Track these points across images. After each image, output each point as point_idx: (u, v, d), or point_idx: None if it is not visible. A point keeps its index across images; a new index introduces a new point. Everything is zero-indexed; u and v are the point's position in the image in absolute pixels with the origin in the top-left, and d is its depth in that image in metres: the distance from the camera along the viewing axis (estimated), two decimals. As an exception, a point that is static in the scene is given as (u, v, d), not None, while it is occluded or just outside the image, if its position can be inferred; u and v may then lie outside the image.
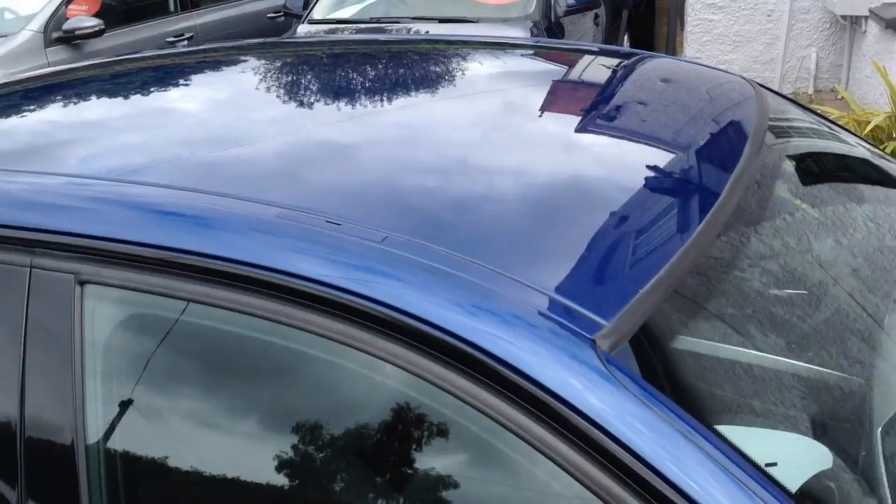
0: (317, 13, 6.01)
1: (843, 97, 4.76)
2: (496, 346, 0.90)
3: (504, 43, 2.41)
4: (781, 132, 1.68)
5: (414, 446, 1.03)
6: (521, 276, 0.98)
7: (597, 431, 0.86)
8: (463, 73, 2.01)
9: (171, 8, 6.96)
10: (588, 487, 0.86)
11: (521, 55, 2.22)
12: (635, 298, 0.98)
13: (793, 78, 7.13)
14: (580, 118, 1.60)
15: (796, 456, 1.30)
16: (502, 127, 1.52)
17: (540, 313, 0.94)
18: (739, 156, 1.32)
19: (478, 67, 2.05)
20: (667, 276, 1.02)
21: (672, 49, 7.69)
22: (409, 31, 5.51)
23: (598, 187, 1.28)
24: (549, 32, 5.63)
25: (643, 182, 1.31)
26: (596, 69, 2.02)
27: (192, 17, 7.07)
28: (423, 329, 0.93)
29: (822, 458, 1.38)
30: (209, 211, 1.15)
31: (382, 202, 1.21)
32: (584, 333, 0.92)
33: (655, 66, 1.92)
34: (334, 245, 1.04)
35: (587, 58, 2.11)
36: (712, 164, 1.37)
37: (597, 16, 6.82)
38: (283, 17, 6.98)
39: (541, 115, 1.62)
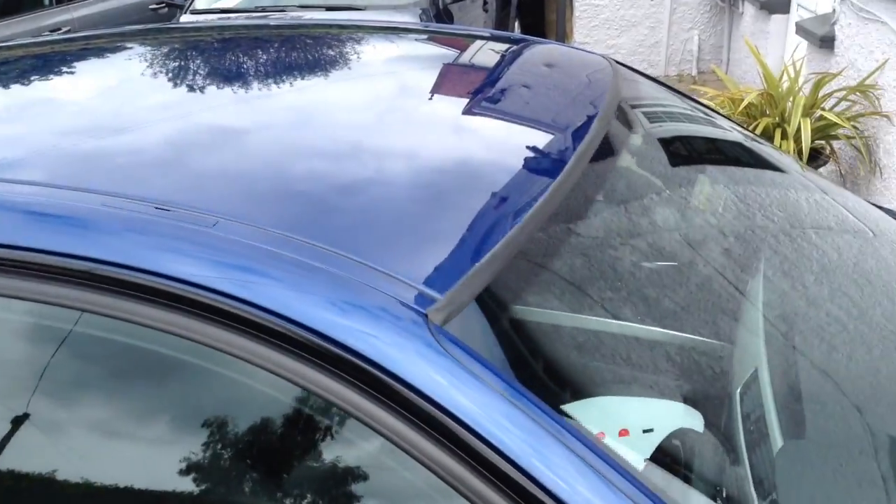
0: (200, 3, 5.86)
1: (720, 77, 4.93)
2: (327, 327, 0.89)
3: (385, 28, 2.39)
4: (636, 110, 1.72)
5: (262, 437, 1.02)
6: (358, 256, 0.97)
7: (423, 402, 0.86)
8: (341, 58, 1.99)
9: (46, 1, 6.66)
10: (409, 453, 0.86)
11: (401, 40, 2.20)
12: (470, 272, 0.98)
13: (677, 60, 7.35)
14: (434, 99, 1.60)
15: (655, 419, 1.33)
16: (359, 109, 1.51)
17: (374, 291, 0.93)
18: (585, 132, 1.34)
19: (355, 51, 2.03)
20: (504, 249, 1.03)
21: (562, 35, 7.81)
22: (296, 19, 5.43)
23: (441, 165, 1.27)
24: (437, 19, 5.64)
25: (487, 158, 1.32)
26: (460, 53, 2.02)
27: (69, 10, 6.78)
28: (252, 312, 0.91)
29: (688, 420, 1.42)
30: (51, 207, 1.09)
31: (233, 189, 1.17)
32: (416, 308, 0.92)
33: (517, 48, 1.93)
34: (172, 236, 1.00)
35: (460, 42, 2.11)
36: (557, 140, 1.38)
37: (486, 2, 6.87)
38: (166, 9, 6.79)
39: (402, 98, 1.62)
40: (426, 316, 0.91)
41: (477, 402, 0.86)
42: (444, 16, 5.81)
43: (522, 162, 1.30)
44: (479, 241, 1.05)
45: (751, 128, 4.12)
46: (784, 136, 4.07)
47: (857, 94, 4.19)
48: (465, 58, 1.95)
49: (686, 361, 1.69)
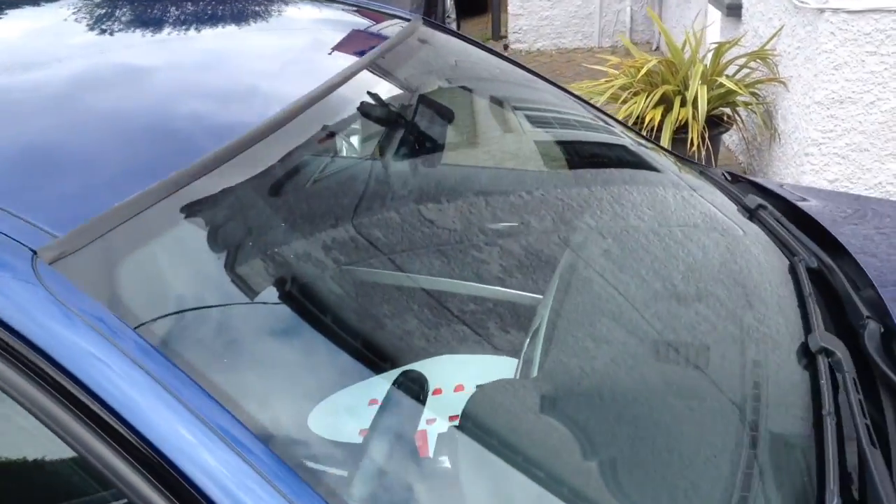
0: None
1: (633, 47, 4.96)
2: None
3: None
4: (391, 71, 1.68)
5: None
6: None
7: (18, 341, 0.83)
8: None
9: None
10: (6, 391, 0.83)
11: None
12: (104, 213, 0.96)
13: (610, 31, 7.37)
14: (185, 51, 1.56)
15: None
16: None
17: None
18: (307, 89, 1.31)
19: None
20: (158, 192, 1.01)
21: (497, 6, 7.81)
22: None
23: (122, 108, 1.24)
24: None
25: (157, 102, 1.28)
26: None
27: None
28: None
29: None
30: None
31: None
32: (25, 244, 0.89)
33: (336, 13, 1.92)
34: None
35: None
36: (277, 92, 1.33)
37: (414, -26, 6.82)
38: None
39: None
40: (35, 253, 0.88)
41: (74, 342, 0.84)
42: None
43: (224, 111, 1.27)
44: (130, 182, 1.01)
45: (651, 95, 4.16)
46: (683, 103, 4.11)
47: (758, 60, 4.23)
48: (288, 19, 1.94)
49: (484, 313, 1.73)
